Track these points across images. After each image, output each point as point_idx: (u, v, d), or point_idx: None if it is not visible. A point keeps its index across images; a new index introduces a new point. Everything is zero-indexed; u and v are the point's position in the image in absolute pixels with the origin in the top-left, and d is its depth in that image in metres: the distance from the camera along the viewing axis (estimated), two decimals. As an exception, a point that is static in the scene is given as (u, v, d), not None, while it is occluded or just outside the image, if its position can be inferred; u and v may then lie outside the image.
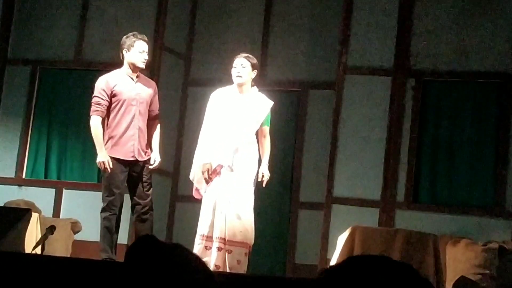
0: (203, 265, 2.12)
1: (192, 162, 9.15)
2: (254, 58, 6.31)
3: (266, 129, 6.28)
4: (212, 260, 6.00)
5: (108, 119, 6.18)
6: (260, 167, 6.17)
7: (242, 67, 6.19)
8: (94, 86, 8.66)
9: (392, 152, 8.16)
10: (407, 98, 8.24)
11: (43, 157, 9.15)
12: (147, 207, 6.18)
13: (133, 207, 6.22)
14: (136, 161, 6.14)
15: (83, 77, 9.14)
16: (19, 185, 9.06)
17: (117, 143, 6.10)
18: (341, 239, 6.98)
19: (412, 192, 8.16)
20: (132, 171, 6.16)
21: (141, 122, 6.16)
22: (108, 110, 6.15)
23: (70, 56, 9.19)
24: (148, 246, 2.11)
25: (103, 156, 6.04)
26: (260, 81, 8.92)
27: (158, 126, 6.36)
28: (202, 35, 9.32)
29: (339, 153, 8.28)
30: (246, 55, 6.26)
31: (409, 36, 8.29)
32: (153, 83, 6.41)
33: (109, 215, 6.09)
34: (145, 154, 6.19)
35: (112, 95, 6.12)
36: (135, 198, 6.17)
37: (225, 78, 9.08)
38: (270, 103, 6.30)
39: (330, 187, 8.25)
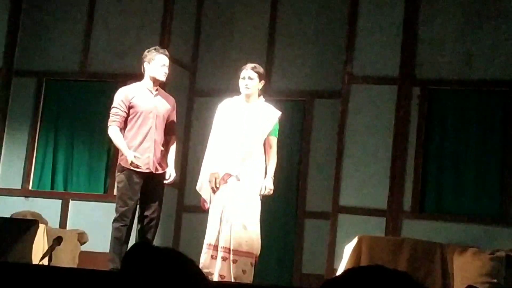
0: (196, 268, 2.15)
1: (198, 172, 9.18)
2: (261, 68, 6.32)
3: (273, 139, 6.24)
4: (216, 269, 6.00)
5: (125, 130, 6.21)
6: (264, 179, 6.14)
7: (250, 79, 6.20)
8: (100, 97, 8.72)
9: (398, 161, 8.15)
10: (413, 107, 8.24)
11: (50, 168, 9.17)
12: (153, 221, 6.21)
13: (140, 218, 6.23)
14: (151, 173, 6.14)
15: (89, 88, 9.17)
16: (26, 197, 9.08)
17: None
18: (348, 249, 6.97)
19: (419, 201, 8.14)
20: (146, 183, 6.17)
21: (157, 135, 6.19)
22: (126, 121, 6.18)
23: (76, 67, 9.21)
24: (142, 252, 2.14)
25: (131, 155, 6.04)
26: (266, 91, 8.91)
27: (175, 142, 6.39)
28: (208, 45, 9.34)
29: (345, 162, 8.28)
30: (253, 65, 6.27)
31: (414, 45, 8.30)
32: (172, 99, 6.44)
33: (121, 225, 6.11)
34: (160, 168, 6.20)
35: (130, 107, 6.16)
36: (143, 210, 6.19)
37: (230, 88, 9.10)
38: (278, 113, 6.29)
39: (336, 197, 8.25)
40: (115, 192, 6.44)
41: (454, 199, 8.11)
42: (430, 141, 8.25)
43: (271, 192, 6.12)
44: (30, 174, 9.19)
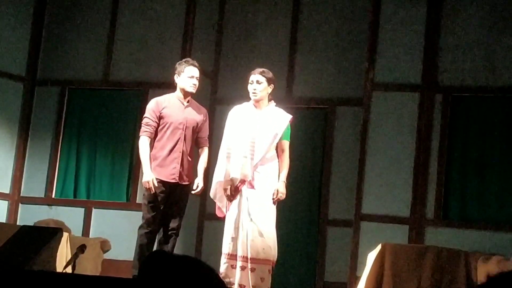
0: (216, 276, 2.14)
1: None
2: (270, 73, 6.29)
3: (285, 143, 6.21)
4: (236, 279, 5.99)
5: (154, 140, 6.27)
6: (277, 184, 6.13)
7: (258, 83, 6.21)
8: (122, 105, 8.78)
9: (421, 168, 8.11)
10: (435, 114, 8.20)
11: (72, 176, 9.22)
12: (174, 231, 6.24)
13: (162, 228, 6.26)
14: (177, 184, 6.18)
15: (111, 96, 9.22)
16: (49, 205, 9.13)
17: (161, 164, 6.19)
18: (371, 257, 6.94)
19: (442, 209, 8.10)
20: (171, 193, 6.20)
21: (186, 146, 6.24)
22: (156, 131, 6.24)
23: (98, 76, 9.27)
24: (159, 260, 2.14)
25: (148, 176, 6.13)
26: (287, 99, 8.93)
27: (206, 152, 6.42)
28: (229, 53, 9.36)
29: (368, 170, 8.26)
30: (261, 70, 6.27)
31: (436, 51, 8.27)
32: (204, 110, 6.48)
33: (146, 233, 6.16)
34: (187, 179, 6.24)
35: (160, 117, 6.22)
36: (166, 220, 6.22)
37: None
38: (288, 117, 6.26)
39: (359, 204, 8.22)
40: (137, 200, 6.48)
41: (477, 207, 8.06)
42: (453, 148, 8.20)
43: (283, 196, 6.10)
44: (53, 182, 9.24)
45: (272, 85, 6.24)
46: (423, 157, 8.13)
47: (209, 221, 9.10)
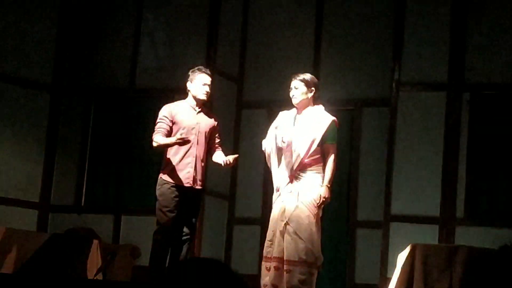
0: (240, 281, 2.16)
1: (248, 184, 9.21)
2: (309, 76, 6.25)
3: (329, 146, 6.10)
4: (270, 279, 6.00)
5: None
6: (320, 188, 6.10)
7: (295, 88, 6.21)
8: (148, 112, 8.82)
9: (449, 167, 8.06)
10: (463, 112, 8.15)
11: (101, 184, 9.28)
12: (188, 236, 6.26)
13: (176, 233, 6.25)
14: (191, 188, 6.23)
15: (138, 103, 9.27)
16: (79, 213, 9.19)
17: (174, 169, 6.23)
18: (401, 258, 6.91)
19: (472, 208, 8.04)
20: (185, 198, 6.24)
21: (199, 151, 6.28)
22: (169, 136, 6.25)
23: (125, 83, 9.33)
24: (189, 265, 2.16)
25: (173, 139, 6.10)
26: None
27: (220, 150, 6.45)
28: (254, 57, 9.36)
29: (396, 170, 8.22)
30: (299, 76, 6.26)
31: (462, 50, 8.22)
32: (215, 117, 6.52)
33: (160, 238, 6.17)
34: (200, 183, 6.30)
35: (173, 123, 6.26)
36: (181, 225, 6.24)
37: (277, 99, 9.12)
38: (330, 118, 6.20)
39: (388, 205, 8.19)
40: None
41: (507, 205, 7.99)
42: (482, 146, 8.14)
43: (326, 200, 6.06)
44: (82, 190, 9.31)
45: (312, 88, 6.22)
46: (452, 156, 8.08)
47: (238, 225, 9.11)
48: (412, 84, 8.30)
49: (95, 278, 6.28)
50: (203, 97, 6.34)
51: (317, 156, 6.07)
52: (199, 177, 6.27)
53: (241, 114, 9.33)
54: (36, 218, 9.26)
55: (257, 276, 8.65)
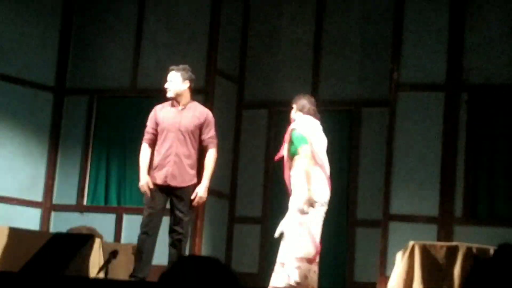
0: (232, 277, 2.20)
1: (248, 184, 9.26)
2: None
3: (294, 156, 6.46)
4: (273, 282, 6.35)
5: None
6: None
7: None
8: (149, 112, 8.89)
9: (448, 167, 8.11)
10: (461, 112, 8.20)
11: (103, 183, 9.34)
12: (181, 235, 6.27)
13: (169, 232, 6.33)
14: (174, 187, 6.23)
15: (139, 104, 9.30)
16: (81, 212, 9.25)
17: (156, 168, 6.30)
18: (400, 256, 6.95)
19: (470, 207, 8.09)
20: (173, 197, 6.28)
21: (180, 149, 6.26)
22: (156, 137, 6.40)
23: (126, 84, 9.37)
24: (185, 264, 2.20)
25: (142, 180, 6.31)
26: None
27: (212, 154, 6.39)
28: (254, 57, 9.41)
29: (395, 170, 8.27)
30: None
31: (460, 50, 8.26)
32: (205, 113, 6.45)
33: (141, 234, 6.27)
34: (184, 181, 6.26)
35: (158, 124, 6.34)
36: (172, 223, 6.29)
37: (277, 100, 9.17)
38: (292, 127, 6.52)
39: (387, 204, 8.23)
40: (167, 206, 6.55)
41: (506, 204, 8.03)
42: (480, 146, 8.19)
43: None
44: (84, 189, 9.36)
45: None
46: (450, 155, 8.13)
47: (238, 224, 9.16)
48: (410, 84, 8.35)
49: (96, 276, 6.33)
50: (169, 94, 6.40)
51: (296, 161, 6.38)
52: (180, 174, 6.23)
53: (241, 114, 9.37)
54: (39, 217, 9.33)
55: (257, 275, 8.73)
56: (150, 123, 6.43)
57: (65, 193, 9.38)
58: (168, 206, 6.39)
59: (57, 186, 9.45)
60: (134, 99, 9.37)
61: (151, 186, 6.25)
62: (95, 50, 9.57)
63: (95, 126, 9.49)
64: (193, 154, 6.31)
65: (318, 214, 6.33)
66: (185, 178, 6.26)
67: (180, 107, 6.37)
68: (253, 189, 9.11)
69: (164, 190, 6.27)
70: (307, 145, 6.30)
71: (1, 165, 9.09)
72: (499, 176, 8.11)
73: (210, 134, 6.38)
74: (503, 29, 8.21)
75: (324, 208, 6.40)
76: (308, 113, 6.51)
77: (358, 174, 8.80)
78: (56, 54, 9.57)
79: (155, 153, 6.36)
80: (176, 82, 6.37)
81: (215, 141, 6.41)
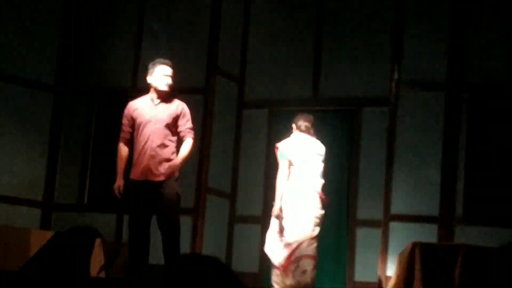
0: (234, 277, 2.20)
1: (249, 183, 9.26)
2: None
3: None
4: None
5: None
6: None
7: None
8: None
9: (448, 166, 8.12)
10: (462, 112, 8.21)
11: (104, 182, 9.33)
12: (170, 231, 6.12)
13: (158, 227, 6.20)
14: (153, 182, 6.14)
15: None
16: (82, 211, 9.26)
17: (134, 164, 6.24)
18: (401, 256, 6.96)
19: (471, 207, 8.09)
20: (155, 192, 6.15)
21: (156, 143, 6.18)
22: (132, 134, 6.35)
23: (127, 84, 9.38)
24: (184, 262, 2.20)
25: (116, 182, 6.26)
26: (313, 101, 8.98)
27: (188, 143, 6.28)
28: (255, 57, 9.41)
29: (395, 169, 8.27)
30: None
31: (461, 49, 8.26)
32: (180, 105, 6.36)
33: (129, 233, 6.20)
34: (162, 174, 6.15)
35: (133, 120, 6.30)
36: (158, 221, 6.19)
37: (278, 100, 9.18)
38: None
39: (387, 204, 8.24)
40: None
41: (506, 205, 8.04)
42: (480, 146, 8.19)
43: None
44: (85, 189, 9.37)
45: None
46: (451, 155, 8.14)
47: (239, 224, 9.16)
48: (411, 83, 8.35)
49: (98, 276, 6.34)
50: (164, 88, 6.28)
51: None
52: (157, 169, 6.14)
53: (242, 114, 9.37)
54: (40, 216, 9.33)
55: (258, 275, 8.73)
56: (124, 121, 6.37)
57: (66, 192, 9.39)
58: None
59: (58, 185, 9.46)
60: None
61: (121, 190, 6.19)
62: (96, 49, 9.58)
63: (96, 125, 9.49)
64: (172, 147, 6.24)
65: (296, 222, 6.84)
66: (164, 172, 6.16)
67: (156, 101, 6.32)
68: (254, 188, 9.11)
69: (145, 185, 6.15)
70: (284, 160, 6.95)
71: (1, 165, 9.09)
72: (499, 176, 8.11)
73: (187, 125, 6.30)
74: (503, 28, 8.21)
75: (304, 217, 6.84)
76: (300, 130, 7.12)
77: (358, 174, 8.80)
78: (56, 53, 9.58)
79: (133, 149, 6.28)
80: (171, 77, 6.34)
81: (192, 132, 6.33)
